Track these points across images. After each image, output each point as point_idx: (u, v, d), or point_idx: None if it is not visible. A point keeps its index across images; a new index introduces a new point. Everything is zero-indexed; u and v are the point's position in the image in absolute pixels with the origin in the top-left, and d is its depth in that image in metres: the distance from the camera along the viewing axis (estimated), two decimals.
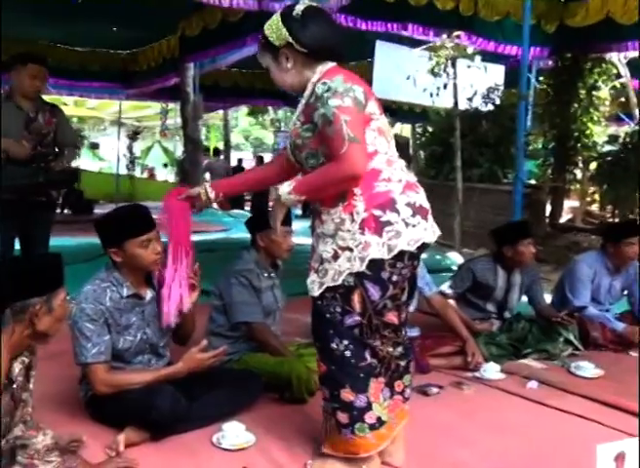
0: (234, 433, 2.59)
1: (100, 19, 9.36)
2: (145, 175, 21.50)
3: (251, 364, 3.12)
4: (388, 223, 2.17)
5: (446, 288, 4.04)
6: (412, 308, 3.87)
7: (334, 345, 2.26)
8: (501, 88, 9.83)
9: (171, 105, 18.36)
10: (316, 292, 2.27)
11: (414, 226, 2.19)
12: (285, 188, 2.23)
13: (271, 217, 2.33)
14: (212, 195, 2.52)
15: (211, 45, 9.46)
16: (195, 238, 8.66)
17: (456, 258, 7.24)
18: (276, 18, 2.23)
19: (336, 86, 2.12)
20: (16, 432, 2.09)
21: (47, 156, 4.07)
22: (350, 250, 2.19)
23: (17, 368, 2.08)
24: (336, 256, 2.22)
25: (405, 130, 18.84)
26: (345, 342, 2.25)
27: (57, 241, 7.07)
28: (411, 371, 2.48)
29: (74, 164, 4.39)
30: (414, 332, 3.88)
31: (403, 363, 2.39)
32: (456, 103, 8.11)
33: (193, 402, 2.69)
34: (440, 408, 3.10)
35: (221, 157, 16.33)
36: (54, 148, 4.17)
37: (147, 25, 9.75)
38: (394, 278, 2.21)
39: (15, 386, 2.07)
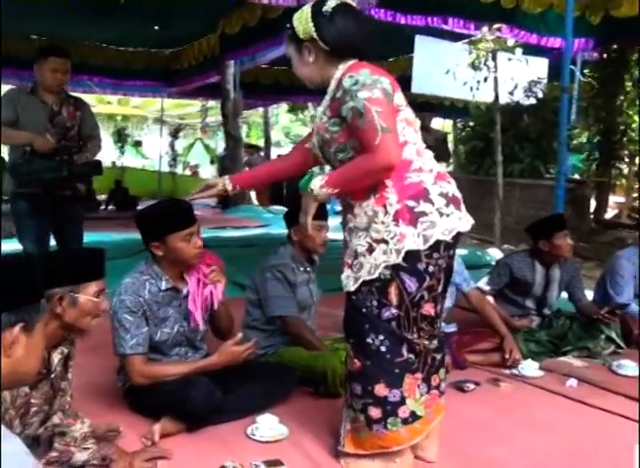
0: (268, 425, 2.61)
1: (142, 19, 9.52)
2: (188, 172, 21.78)
3: (286, 357, 3.13)
4: (423, 214, 2.16)
5: (483, 284, 3.99)
6: (449, 303, 3.85)
7: (369, 340, 2.25)
8: (544, 81, 9.65)
9: (211, 103, 18.56)
10: (352, 288, 2.26)
11: (448, 216, 2.19)
12: (317, 182, 2.22)
13: (302, 212, 2.33)
14: (229, 187, 2.59)
15: (251, 42, 9.49)
16: (235, 233, 8.85)
17: (496, 254, 7.15)
18: (306, 10, 2.23)
19: (363, 79, 2.12)
20: (54, 420, 2.13)
21: (70, 149, 4.06)
22: (386, 242, 2.18)
23: (56, 358, 2.13)
24: (371, 250, 2.21)
25: (447, 126, 18.68)
26: (381, 337, 2.24)
27: (100, 236, 7.28)
28: (445, 365, 2.45)
29: (99, 157, 4.38)
30: (451, 328, 3.85)
31: (438, 356, 2.37)
32: (496, 97, 8.00)
33: (228, 394, 2.72)
34: (476, 404, 3.07)
35: (261, 154, 16.44)
36: (78, 142, 4.16)
37: (188, 24, 9.87)
38: (430, 269, 2.20)
39: (53, 376, 2.11)
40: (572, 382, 3.35)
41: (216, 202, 14.55)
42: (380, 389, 2.25)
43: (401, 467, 2.33)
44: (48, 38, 10.33)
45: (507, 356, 3.55)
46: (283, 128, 28.16)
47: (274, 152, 20.02)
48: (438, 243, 2.17)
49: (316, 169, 5.72)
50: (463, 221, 2.25)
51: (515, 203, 8.55)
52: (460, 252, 6.96)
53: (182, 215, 2.72)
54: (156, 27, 10.54)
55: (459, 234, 2.23)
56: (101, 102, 19.21)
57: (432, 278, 2.21)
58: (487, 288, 3.98)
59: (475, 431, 2.75)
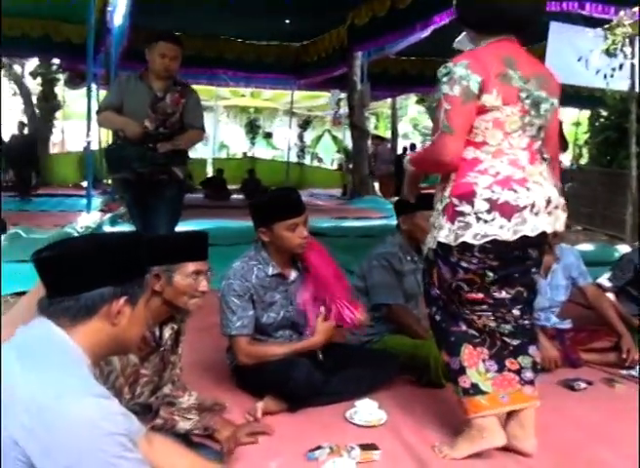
0: (367, 410, 2.66)
1: (274, 13, 9.81)
2: (335, 166, 22.16)
3: (389, 344, 3.16)
4: (461, 214, 2.20)
5: (604, 280, 3.81)
6: (562, 298, 3.72)
7: (427, 309, 2.45)
8: None
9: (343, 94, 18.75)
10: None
11: (486, 222, 2.17)
12: (409, 155, 2.41)
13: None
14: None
15: (379, 33, 9.52)
16: (356, 223, 8.93)
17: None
18: None
19: (455, 71, 2.13)
20: (164, 390, 2.30)
21: (158, 137, 3.95)
22: (434, 227, 2.30)
23: (166, 333, 2.28)
24: (430, 229, 2.37)
25: (582, 116, 17.76)
26: (434, 308, 2.41)
27: (227, 223, 7.65)
28: (531, 353, 2.39)
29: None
30: (566, 324, 3.73)
31: (514, 342, 2.36)
32: (632, 85, 7.52)
33: (331, 377, 2.79)
34: (586, 403, 2.96)
35: (388, 145, 16.47)
36: (179, 129, 4.04)
37: (318, 17, 10.05)
38: (464, 264, 2.24)
39: (163, 349, 2.27)
40: None
41: (341, 193, 14.76)
42: (444, 355, 2.41)
43: (489, 443, 2.34)
44: (184, 34, 10.88)
45: (625, 356, 3.38)
46: (411, 119, 27.94)
47: (401, 144, 19.92)
48: (469, 245, 2.19)
49: None
50: (506, 231, 2.16)
51: None
52: (586, 247, 6.68)
53: (289, 205, 2.82)
54: (287, 21, 10.83)
55: (497, 242, 2.16)
56: (236, 95, 19.97)
57: (469, 273, 2.25)
58: (608, 284, 3.79)
59: (580, 430, 2.66)
